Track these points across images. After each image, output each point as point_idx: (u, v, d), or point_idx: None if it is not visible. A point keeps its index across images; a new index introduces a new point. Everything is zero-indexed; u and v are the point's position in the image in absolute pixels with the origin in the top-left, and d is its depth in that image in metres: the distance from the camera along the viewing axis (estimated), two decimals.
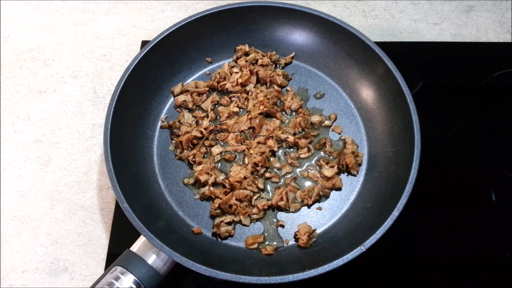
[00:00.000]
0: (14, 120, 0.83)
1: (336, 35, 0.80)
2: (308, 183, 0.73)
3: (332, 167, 0.73)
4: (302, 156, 0.75)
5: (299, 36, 0.84)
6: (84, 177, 0.78)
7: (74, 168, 0.79)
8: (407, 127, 0.70)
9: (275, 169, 0.74)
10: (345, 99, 0.81)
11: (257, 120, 0.76)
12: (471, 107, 0.85)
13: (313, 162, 0.75)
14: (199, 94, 0.81)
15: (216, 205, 0.70)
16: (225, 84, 0.81)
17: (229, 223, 0.70)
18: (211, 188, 0.71)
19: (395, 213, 0.62)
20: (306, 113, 0.78)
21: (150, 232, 0.60)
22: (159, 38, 0.76)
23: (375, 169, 0.74)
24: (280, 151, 0.76)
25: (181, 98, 0.80)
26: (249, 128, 0.77)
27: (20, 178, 0.78)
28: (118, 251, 0.63)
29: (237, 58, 0.84)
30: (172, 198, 0.72)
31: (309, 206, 0.72)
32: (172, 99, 0.81)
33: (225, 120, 0.78)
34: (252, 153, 0.73)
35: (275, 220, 0.71)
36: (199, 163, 0.73)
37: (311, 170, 0.74)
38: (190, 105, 0.79)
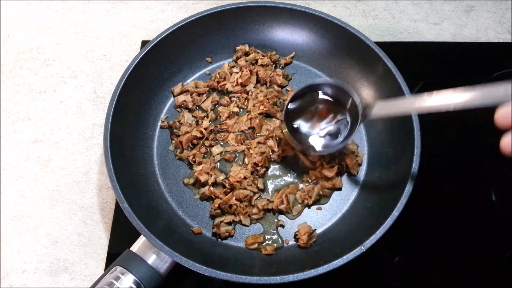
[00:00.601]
0: (14, 120, 0.83)
1: (336, 35, 0.80)
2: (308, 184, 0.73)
3: (332, 167, 0.73)
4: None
5: (299, 36, 0.84)
6: (84, 177, 0.78)
7: (74, 168, 0.79)
8: (407, 127, 0.70)
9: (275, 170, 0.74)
10: None
11: (257, 120, 0.76)
12: (471, 107, 0.85)
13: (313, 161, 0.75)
14: (199, 94, 0.81)
15: (216, 205, 0.70)
16: (225, 84, 0.81)
17: (229, 223, 0.70)
18: (211, 188, 0.71)
19: (395, 213, 0.62)
20: None
21: (150, 232, 0.60)
22: (159, 38, 0.76)
23: (375, 169, 0.74)
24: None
25: (181, 98, 0.80)
26: (249, 128, 0.77)
27: (20, 178, 0.78)
28: (118, 251, 0.63)
29: (237, 58, 0.84)
30: (172, 198, 0.72)
31: (309, 206, 0.72)
32: (172, 99, 0.81)
33: (225, 120, 0.78)
34: (252, 153, 0.73)
35: (275, 220, 0.71)
36: (199, 163, 0.73)
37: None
38: (190, 105, 0.79)
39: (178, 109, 0.80)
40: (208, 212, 0.71)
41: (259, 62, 0.83)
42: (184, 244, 0.66)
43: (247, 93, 0.80)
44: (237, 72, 0.81)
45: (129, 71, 0.73)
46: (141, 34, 0.93)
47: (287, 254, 0.68)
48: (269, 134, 0.75)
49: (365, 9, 0.97)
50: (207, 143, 0.75)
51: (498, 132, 0.47)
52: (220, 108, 0.79)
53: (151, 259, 0.61)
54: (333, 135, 0.69)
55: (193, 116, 0.79)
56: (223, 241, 0.69)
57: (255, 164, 0.72)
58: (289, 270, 0.60)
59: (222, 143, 0.76)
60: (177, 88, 0.81)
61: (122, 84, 0.71)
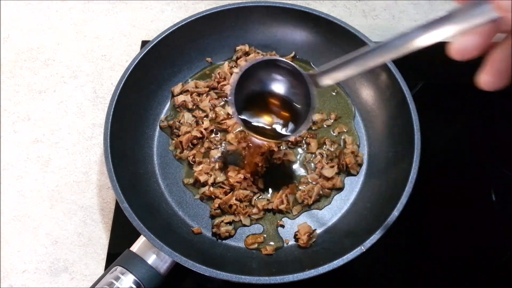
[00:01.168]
0: (14, 120, 0.83)
1: (336, 35, 0.80)
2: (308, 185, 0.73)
3: (332, 167, 0.73)
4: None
5: (299, 36, 0.84)
6: (84, 177, 0.78)
7: (74, 168, 0.79)
8: (407, 127, 0.70)
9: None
10: (345, 99, 0.81)
11: None
12: (471, 107, 0.85)
13: (312, 165, 0.75)
14: (199, 94, 0.81)
15: (216, 205, 0.70)
16: (225, 84, 0.81)
17: (229, 223, 0.70)
18: (211, 188, 0.71)
19: (395, 213, 0.62)
20: None
21: (150, 232, 0.60)
22: (159, 38, 0.76)
23: (375, 169, 0.74)
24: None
25: (181, 98, 0.79)
26: None
27: (20, 178, 0.78)
28: (118, 251, 0.63)
29: (237, 58, 0.84)
30: (172, 198, 0.72)
31: (309, 206, 0.71)
32: (172, 99, 0.81)
33: (225, 120, 0.78)
34: (252, 153, 0.73)
35: (275, 220, 0.71)
36: (199, 163, 0.73)
37: (312, 172, 0.74)
38: (190, 105, 0.79)
39: (178, 109, 0.80)
40: (208, 212, 0.71)
41: None
42: (184, 244, 0.66)
43: None
44: (237, 73, 0.81)
45: (129, 71, 0.73)
46: (141, 34, 0.93)
47: (287, 254, 0.68)
48: None
49: (365, 9, 0.97)
50: (206, 144, 0.75)
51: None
52: (217, 109, 0.79)
53: (151, 259, 0.61)
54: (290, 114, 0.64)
55: (193, 116, 0.79)
56: (223, 241, 0.69)
57: (255, 164, 0.72)
58: (289, 270, 0.59)
59: (220, 146, 0.76)
60: (177, 88, 0.81)
61: (122, 84, 0.71)
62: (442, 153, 0.81)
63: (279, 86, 0.63)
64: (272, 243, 0.69)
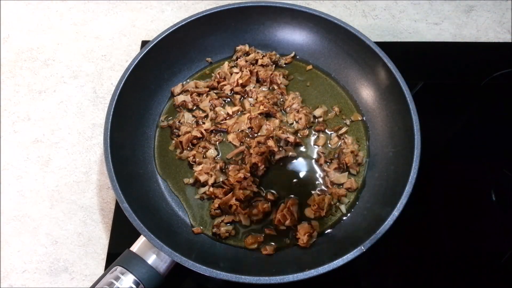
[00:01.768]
0: (14, 120, 0.83)
1: (336, 35, 0.80)
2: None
3: (337, 168, 0.73)
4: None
5: (299, 36, 0.84)
6: (84, 177, 0.78)
7: (74, 168, 0.79)
8: (407, 127, 0.70)
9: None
10: (345, 99, 0.81)
11: (256, 121, 0.76)
12: (471, 107, 0.85)
13: (313, 162, 0.75)
14: (199, 94, 0.81)
15: (216, 205, 0.70)
16: (225, 84, 0.81)
17: (229, 223, 0.70)
18: (211, 188, 0.71)
19: (395, 213, 0.62)
20: (308, 110, 0.78)
21: (150, 232, 0.60)
22: (159, 38, 0.76)
23: (375, 169, 0.74)
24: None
25: (181, 98, 0.80)
26: (249, 128, 0.77)
27: (20, 178, 0.78)
28: (118, 251, 0.63)
29: (237, 58, 0.84)
30: (172, 198, 0.72)
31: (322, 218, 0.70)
32: (172, 99, 0.81)
33: (225, 120, 0.78)
34: (252, 153, 0.73)
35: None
36: (199, 163, 0.73)
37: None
38: (190, 105, 0.79)
39: (178, 109, 0.80)
40: (208, 212, 0.71)
41: (259, 62, 0.83)
42: (184, 244, 0.66)
43: (247, 93, 0.80)
44: (237, 73, 0.81)
45: (129, 71, 0.73)
46: (141, 34, 0.93)
47: (287, 254, 0.68)
48: (269, 134, 0.75)
49: (365, 9, 0.97)
50: (202, 144, 0.75)
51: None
52: (217, 109, 0.79)
53: (151, 259, 0.61)
54: None
55: (193, 116, 0.79)
56: (223, 241, 0.69)
57: (255, 164, 0.72)
58: (289, 270, 0.59)
59: (218, 147, 0.76)
60: (177, 88, 0.81)
61: (122, 84, 0.71)
62: (442, 153, 0.81)
63: None
64: (272, 243, 0.69)
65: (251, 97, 0.80)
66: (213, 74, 0.83)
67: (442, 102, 0.85)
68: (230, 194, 0.70)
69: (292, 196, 0.72)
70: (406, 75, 0.72)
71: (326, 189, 0.72)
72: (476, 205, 0.76)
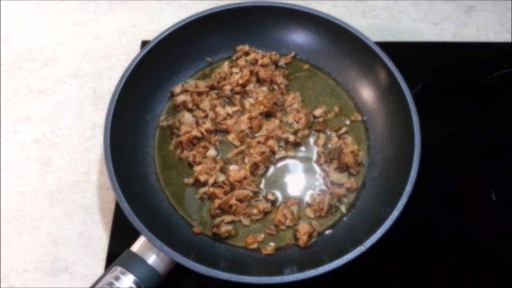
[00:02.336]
0: (14, 120, 0.83)
1: (336, 35, 0.80)
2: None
3: (337, 168, 0.73)
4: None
5: (299, 36, 0.84)
6: (84, 177, 0.78)
7: (74, 168, 0.79)
8: (407, 127, 0.70)
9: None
10: (345, 99, 0.81)
11: (256, 121, 0.76)
12: (471, 107, 0.85)
13: (313, 162, 0.75)
14: (199, 94, 0.81)
15: (216, 205, 0.70)
16: (225, 84, 0.81)
17: (229, 223, 0.70)
18: (211, 188, 0.71)
19: (395, 213, 0.62)
20: (308, 110, 0.78)
21: (150, 232, 0.60)
22: (159, 38, 0.76)
23: (375, 169, 0.74)
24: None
25: (181, 98, 0.79)
26: (249, 128, 0.77)
27: (20, 178, 0.78)
28: (118, 251, 0.63)
29: (237, 58, 0.84)
30: (172, 198, 0.72)
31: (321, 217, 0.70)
32: (172, 99, 0.81)
33: (225, 120, 0.78)
34: (252, 153, 0.73)
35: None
36: (199, 163, 0.73)
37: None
38: (190, 105, 0.79)
39: (178, 109, 0.80)
40: (208, 212, 0.71)
41: (259, 62, 0.83)
42: (184, 244, 0.66)
43: (247, 93, 0.80)
44: (237, 73, 0.81)
45: (129, 71, 0.73)
46: (141, 34, 0.93)
47: (287, 254, 0.68)
48: (269, 134, 0.75)
49: (365, 9, 0.97)
50: (202, 144, 0.75)
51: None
52: (217, 109, 0.79)
53: (151, 259, 0.61)
54: None
55: (193, 116, 0.79)
56: (223, 241, 0.69)
57: (255, 164, 0.72)
58: (289, 270, 0.60)
59: (218, 147, 0.76)
60: (177, 88, 0.81)
61: (122, 84, 0.71)
62: (442, 153, 0.81)
63: None
64: (272, 243, 0.69)
65: (251, 97, 0.80)
66: (213, 74, 0.83)
67: (442, 102, 0.86)
68: (230, 194, 0.70)
69: (292, 196, 0.72)
70: (406, 75, 0.72)
71: (326, 189, 0.72)
72: (476, 205, 0.76)
